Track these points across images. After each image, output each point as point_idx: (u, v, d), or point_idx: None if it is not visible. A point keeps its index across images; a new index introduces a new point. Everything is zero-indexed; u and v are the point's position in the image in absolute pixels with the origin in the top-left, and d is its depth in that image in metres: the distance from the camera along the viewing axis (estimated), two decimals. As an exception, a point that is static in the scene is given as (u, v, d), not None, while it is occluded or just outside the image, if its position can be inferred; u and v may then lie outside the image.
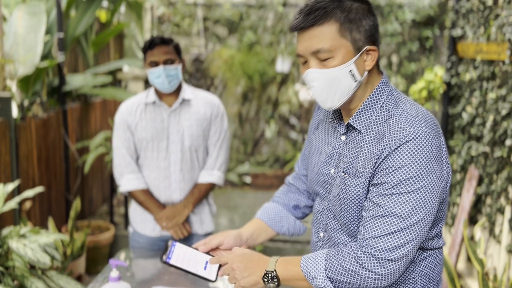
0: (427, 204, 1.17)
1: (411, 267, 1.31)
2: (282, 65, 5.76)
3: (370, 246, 1.18)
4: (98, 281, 1.88)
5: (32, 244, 2.13)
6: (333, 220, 1.35)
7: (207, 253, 1.41)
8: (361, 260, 1.19)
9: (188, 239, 2.37)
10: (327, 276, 1.21)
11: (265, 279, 1.27)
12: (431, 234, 1.30)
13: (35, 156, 3.39)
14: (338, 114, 1.38)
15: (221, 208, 5.02)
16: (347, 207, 1.28)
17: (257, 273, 1.28)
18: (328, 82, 1.23)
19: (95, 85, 4.15)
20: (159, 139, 2.29)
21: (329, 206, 1.35)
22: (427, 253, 1.32)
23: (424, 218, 1.18)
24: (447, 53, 3.70)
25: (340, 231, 1.34)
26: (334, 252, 1.25)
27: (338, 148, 1.35)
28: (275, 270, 1.27)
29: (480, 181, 3.15)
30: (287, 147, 6.08)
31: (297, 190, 1.61)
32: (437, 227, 1.31)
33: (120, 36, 5.44)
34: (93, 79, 3.92)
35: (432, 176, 1.17)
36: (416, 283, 1.32)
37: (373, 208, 1.20)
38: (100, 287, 1.82)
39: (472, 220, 3.27)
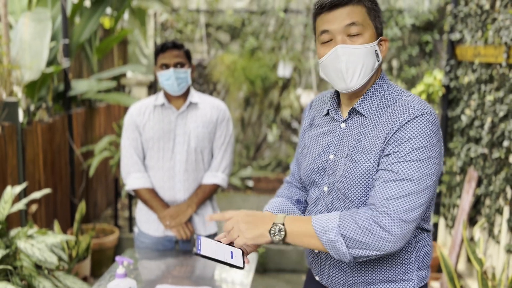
0: (434, 173, 1.27)
1: (408, 248, 1.38)
2: (284, 70, 5.82)
3: (386, 206, 1.24)
4: (105, 278, 1.92)
5: (40, 244, 2.18)
6: (339, 201, 1.38)
7: (230, 244, 1.42)
8: (377, 218, 1.23)
9: (190, 240, 2.41)
10: (340, 233, 1.24)
11: (272, 231, 1.28)
12: (425, 214, 1.38)
13: (41, 160, 3.45)
14: (337, 105, 1.46)
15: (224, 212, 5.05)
16: (357, 184, 1.33)
17: (263, 225, 1.29)
18: (358, 57, 1.32)
19: (100, 90, 4.21)
20: (165, 139, 2.36)
21: (333, 189, 1.39)
22: (421, 235, 1.40)
23: (431, 186, 1.28)
24: (446, 57, 3.75)
25: None
26: (348, 212, 1.28)
27: (338, 135, 1.42)
28: (283, 223, 1.28)
29: (479, 183, 3.19)
30: (289, 151, 6.13)
31: (296, 187, 1.66)
32: (429, 209, 1.40)
33: (124, 43, 5.51)
34: (97, 85, 3.98)
35: (437, 149, 1.28)
36: (412, 264, 1.39)
37: (386, 175, 1.27)
38: (107, 285, 1.86)
39: (472, 221, 3.31)
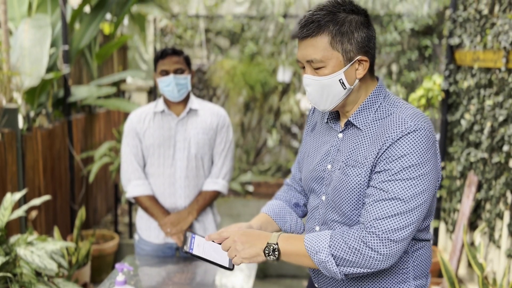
0: (426, 190, 1.26)
1: (405, 258, 1.38)
2: (283, 75, 5.83)
3: (374, 227, 1.25)
4: (105, 285, 1.92)
5: (39, 251, 2.17)
6: (332, 212, 1.40)
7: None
8: (366, 239, 1.25)
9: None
10: (331, 253, 1.26)
11: (266, 251, 1.31)
12: (423, 225, 1.38)
13: (41, 166, 3.45)
14: (335, 115, 1.46)
15: (224, 217, 5.05)
16: (348, 197, 1.34)
17: (258, 245, 1.32)
18: (319, 88, 1.34)
19: (99, 96, 4.22)
20: (166, 146, 2.36)
21: (328, 200, 1.41)
22: (418, 244, 1.40)
23: (423, 204, 1.27)
24: (445, 62, 3.76)
25: (340, 224, 1.39)
26: (339, 231, 1.30)
27: (336, 145, 1.42)
28: (277, 243, 1.30)
29: (479, 187, 3.18)
30: (289, 155, 6.13)
31: (296, 190, 1.66)
32: (428, 220, 1.40)
33: (124, 48, 5.52)
34: (97, 90, 3.99)
35: (430, 165, 1.27)
36: (409, 273, 1.39)
37: (376, 193, 1.27)
38: (106, 292, 1.86)
39: (472, 226, 3.31)
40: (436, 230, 3.89)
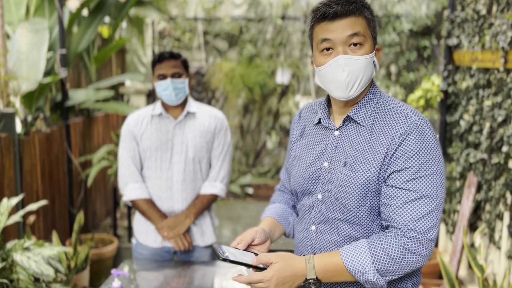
0: (443, 184, 1.31)
1: None
2: (282, 77, 5.82)
3: (413, 230, 1.26)
4: (101, 291, 1.91)
5: (36, 257, 2.16)
6: (335, 210, 1.38)
7: (245, 249, 1.45)
8: (408, 245, 1.26)
9: (188, 251, 2.40)
10: (376, 269, 1.26)
11: (307, 285, 1.30)
12: None
13: (39, 170, 3.44)
14: (327, 114, 1.46)
15: (224, 220, 5.04)
16: (355, 194, 1.33)
17: (296, 283, 1.30)
18: (359, 68, 1.33)
19: (98, 99, 4.21)
20: (163, 149, 2.35)
21: (329, 197, 1.39)
22: None
23: (443, 198, 1.31)
24: (444, 62, 3.75)
25: (343, 222, 1.37)
26: (377, 242, 1.28)
27: (332, 143, 1.42)
28: (316, 278, 1.29)
29: (479, 188, 3.17)
30: (288, 158, 6.11)
31: (289, 194, 1.67)
32: None
33: (122, 51, 5.52)
34: (95, 94, 3.98)
35: (441, 159, 1.31)
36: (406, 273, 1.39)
37: (404, 194, 1.28)
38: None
39: (472, 227, 3.29)
40: (436, 232, 3.87)
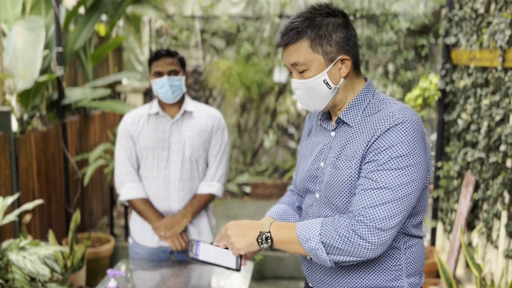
0: (414, 181, 1.29)
1: (397, 254, 1.40)
2: (280, 76, 5.81)
3: (363, 215, 1.28)
4: (97, 291, 1.90)
5: (32, 256, 2.15)
6: (326, 208, 1.43)
7: (227, 248, 1.49)
8: (355, 227, 1.28)
9: (185, 250, 2.38)
10: (321, 241, 1.30)
11: (259, 240, 1.36)
12: (415, 221, 1.41)
13: (35, 169, 3.42)
14: (327, 115, 1.52)
15: (221, 219, 5.02)
16: (340, 191, 1.37)
17: (251, 234, 1.38)
18: (306, 90, 1.41)
19: (94, 98, 4.19)
20: (160, 148, 2.33)
21: (321, 196, 1.44)
22: (411, 241, 1.42)
23: (411, 194, 1.30)
24: (442, 61, 3.74)
25: None
26: (329, 220, 1.33)
27: (328, 143, 1.47)
28: (269, 232, 1.36)
29: (476, 187, 3.17)
30: (286, 156, 6.11)
31: (298, 194, 1.70)
32: (421, 216, 1.42)
33: (119, 50, 5.50)
34: (92, 92, 3.96)
35: (419, 156, 1.30)
36: (402, 270, 1.40)
37: (365, 183, 1.31)
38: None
39: (470, 226, 3.29)
40: (433, 231, 3.87)
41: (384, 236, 1.27)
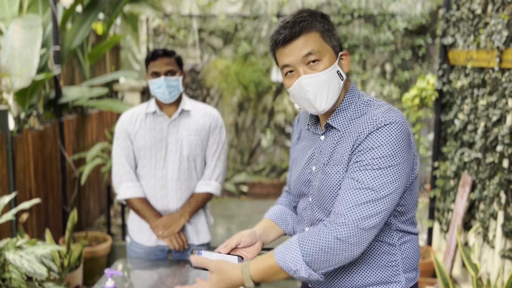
0: (397, 180, 1.30)
1: (392, 251, 1.41)
2: (277, 75, 5.81)
3: (345, 215, 1.28)
4: (95, 290, 1.89)
5: (29, 256, 2.14)
6: (318, 212, 1.44)
7: (229, 253, 1.52)
8: (336, 232, 1.28)
9: (183, 250, 2.38)
10: (307, 264, 1.28)
11: None
12: (406, 217, 1.42)
13: (32, 168, 3.41)
14: (315, 120, 1.51)
15: (218, 218, 5.03)
16: (331, 196, 1.38)
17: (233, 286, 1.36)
18: (322, 84, 1.36)
19: (91, 97, 4.18)
20: (157, 148, 2.33)
21: (314, 200, 1.45)
22: (405, 237, 1.43)
23: (393, 193, 1.30)
24: (439, 61, 3.75)
25: None
26: (306, 235, 1.31)
27: (318, 147, 1.46)
28: (254, 283, 1.34)
29: (473, 187, 3.18)
30: (283, 155, 6.11)
31: (293, 195, 1.69)
32: (411, 212, 1.43)
33: (116, 48, 5.49)
34: (89, 91, 3.95)
35: (402, 157, 1.30)
36: (399, 266, 1.42)
37: (348, 183, 1.32)
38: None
39: (466, 226, 3.30)
40: (430, 230, 3.88)
41: (364, 236, 1.28)
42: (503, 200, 2.77)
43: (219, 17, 5.88)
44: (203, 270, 1.42)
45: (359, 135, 1.32)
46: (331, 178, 1.37)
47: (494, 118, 2.82)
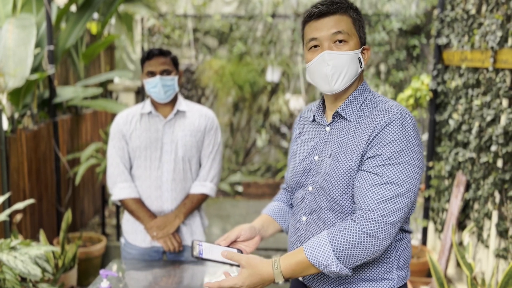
0: (416, 175, 1.35)
1: (388, 247, 1.43)
2: (272, 75, 5.81)
3: (373, 211, 1.31)
4: (89, 291, 1.89)
5: (23, 256, 2.13)
6: (321, 199, 1.45)
7: (228, 246, 1.56)
8: (366, 228, 1.31)
9: (178, 251, 2.37)
10: (339, 260, 1.31)
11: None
12: (407, 215, 1.45)
13: (26, 168, 3.39)
14: (322, 112, 1.55)
15: (213, 218, 5.02)
16: (338, 182, 1.40)
17: (265, 284, 1.39)
18: (342, 62, 1.41)
19: (86, 97, 4.16)
20: (152, 148, 2.32)
21: (317, 187, 1.46)
22: (400, 235, 1.47)
23: (413, 188, 1.35)
24: (433, 61, 3.76)
25: (328, 210, 1.44)
26: (336, 231, 1.34)
27: (323, 138, 1.50)
28: (284, 278, 1.36)
29: (467, 187, 3.19)
30: (278, 155, 6.11)
31: (291, 192, 1.71)
32: (411, 211, 1.45)
33: (111, 48, 5.46)
34: (83, 91, 3.93)
35: (419, 151, 1.36)
36: (392, 263, 1.44)
37: (371, 178, 1.34)
38: (91, 298, 1.82)
39: (461, 226, 3.31)
40: (425, 230, 3.89)
41: (392, 230, 1.31)
42: (497, 199, 2.79)
43: (214, 17, 5.87)
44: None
45: (376, 126, 1.36)
46: (341, 164, 1.39)
47: (488, 118, 2.83)
